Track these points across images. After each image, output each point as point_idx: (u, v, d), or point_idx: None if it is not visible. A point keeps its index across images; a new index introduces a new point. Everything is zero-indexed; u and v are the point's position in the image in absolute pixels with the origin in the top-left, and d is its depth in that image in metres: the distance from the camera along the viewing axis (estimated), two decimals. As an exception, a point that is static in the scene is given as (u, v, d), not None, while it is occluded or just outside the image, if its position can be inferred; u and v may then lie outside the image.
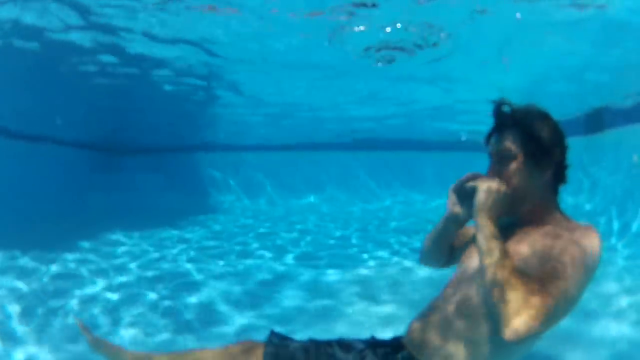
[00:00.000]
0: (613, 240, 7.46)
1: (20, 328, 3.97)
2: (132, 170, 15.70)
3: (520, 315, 1.37)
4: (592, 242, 1.56)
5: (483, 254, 1.56)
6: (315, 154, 16.16)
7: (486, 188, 1.66)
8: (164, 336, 3.99)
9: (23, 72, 7.02)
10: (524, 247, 1.65)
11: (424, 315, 1.87)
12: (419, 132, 13.80)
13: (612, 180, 8.99)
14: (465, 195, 1.78)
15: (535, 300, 1.38)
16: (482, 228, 1.62)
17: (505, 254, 1.53)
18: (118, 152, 15.89)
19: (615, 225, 7.91)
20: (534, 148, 1.65)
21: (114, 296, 4.96)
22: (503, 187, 1.67)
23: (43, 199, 11.30)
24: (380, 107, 10.23)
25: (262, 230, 9.89)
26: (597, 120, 9.99)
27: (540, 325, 1.37)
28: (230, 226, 10.60)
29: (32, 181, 10.94)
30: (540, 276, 1.47)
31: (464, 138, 13.14)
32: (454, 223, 1.92)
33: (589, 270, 1.53)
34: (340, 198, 15.52)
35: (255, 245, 8.07)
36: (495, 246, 1.55)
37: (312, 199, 15.53)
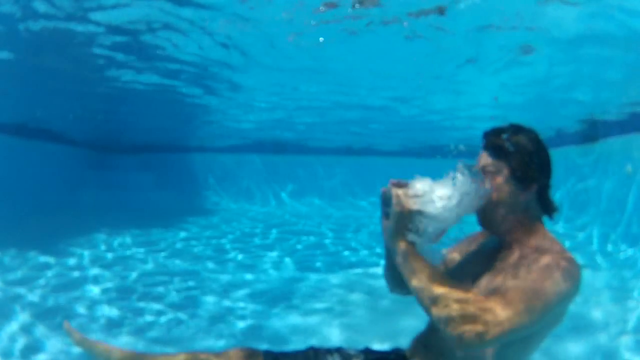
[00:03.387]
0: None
1: (11, 326, 3.89)
2: (125, 169, 15.61)
3: (461, 325, 1.33)
4: (568, 273, 1.49)
5: (407, 277, 1.50)
6: (311, 157, 16.22)
7: (397, 201, 1.53)
8: (151, 334, 3.93)
9: (18, 68, 6.93)
10: (499, 274, 1.62)
11: (425, 332, 1.87)
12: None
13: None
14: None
15: (475, 311, 1.35)
16: (396, 251, 1.54)
17: (429, 274, 1.46)
18: (111, 151, 15.79)
19: None
20: (517, 164, 1.63)
21: (99, 295, 4.90)
22: (407, 199, 1.52)
23: (35, 195, 11.19)
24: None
25: (249, 231, 9.85)
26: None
27: (483, 337, 1.32)
28: (220, 227, 10.53)
29: (25, 177, 10.83)
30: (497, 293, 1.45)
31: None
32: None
33: (556, 299, 1.46)
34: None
35: (239, 246, 8.04)
36: (417, 267, 1.48)
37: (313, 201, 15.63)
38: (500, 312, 1.35)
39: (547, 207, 1.70)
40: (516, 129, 1.69)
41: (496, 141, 1.66)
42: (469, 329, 1.31)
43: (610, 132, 9.64)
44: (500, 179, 1.65)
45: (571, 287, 1.48)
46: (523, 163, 1.63)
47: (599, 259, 7.09)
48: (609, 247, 7.67)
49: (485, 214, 1.68)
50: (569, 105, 8.70)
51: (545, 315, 1.44)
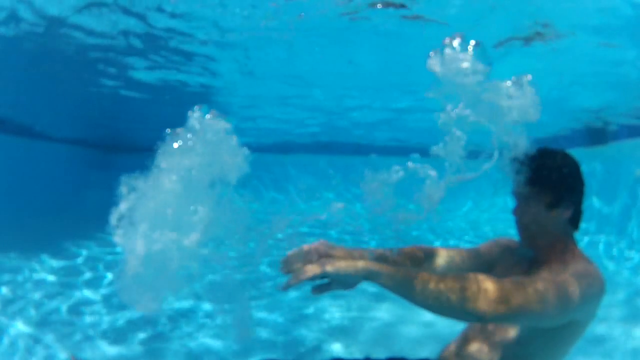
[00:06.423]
0: None
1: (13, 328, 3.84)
2: (129, 169, 15.60)
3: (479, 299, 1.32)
4: (590, 284, 1.51)
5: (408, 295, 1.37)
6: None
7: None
8: (151, 338, 3.88)
9: (21, 66, 6.90)
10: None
11: (459, 341, 1.85)
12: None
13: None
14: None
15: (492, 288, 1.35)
16: (376, 275, 1.40)
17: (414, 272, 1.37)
18: (115, 150, 15.79)
19: None
20: (553, 190, 1.65)
21: (99, 296, 4.86)
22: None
23: (37, 195, 11.19)
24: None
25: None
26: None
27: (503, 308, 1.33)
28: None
29: (27, 177, 10.83)
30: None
31: None
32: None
33: (579, 301, 1.46)
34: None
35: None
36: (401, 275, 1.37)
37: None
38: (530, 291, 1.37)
39: (577, 223, 1.71)
40: (550, 155, 1.67)
41: (530, 168, 1.64)
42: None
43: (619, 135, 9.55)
44: (536, 206, 1.66)
45: (593, 292, 1.51)
46: (559, 189, 1.64)
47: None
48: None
49: (526, 232, 1.71)
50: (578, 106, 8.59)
51: (564, 313, 1.46)
